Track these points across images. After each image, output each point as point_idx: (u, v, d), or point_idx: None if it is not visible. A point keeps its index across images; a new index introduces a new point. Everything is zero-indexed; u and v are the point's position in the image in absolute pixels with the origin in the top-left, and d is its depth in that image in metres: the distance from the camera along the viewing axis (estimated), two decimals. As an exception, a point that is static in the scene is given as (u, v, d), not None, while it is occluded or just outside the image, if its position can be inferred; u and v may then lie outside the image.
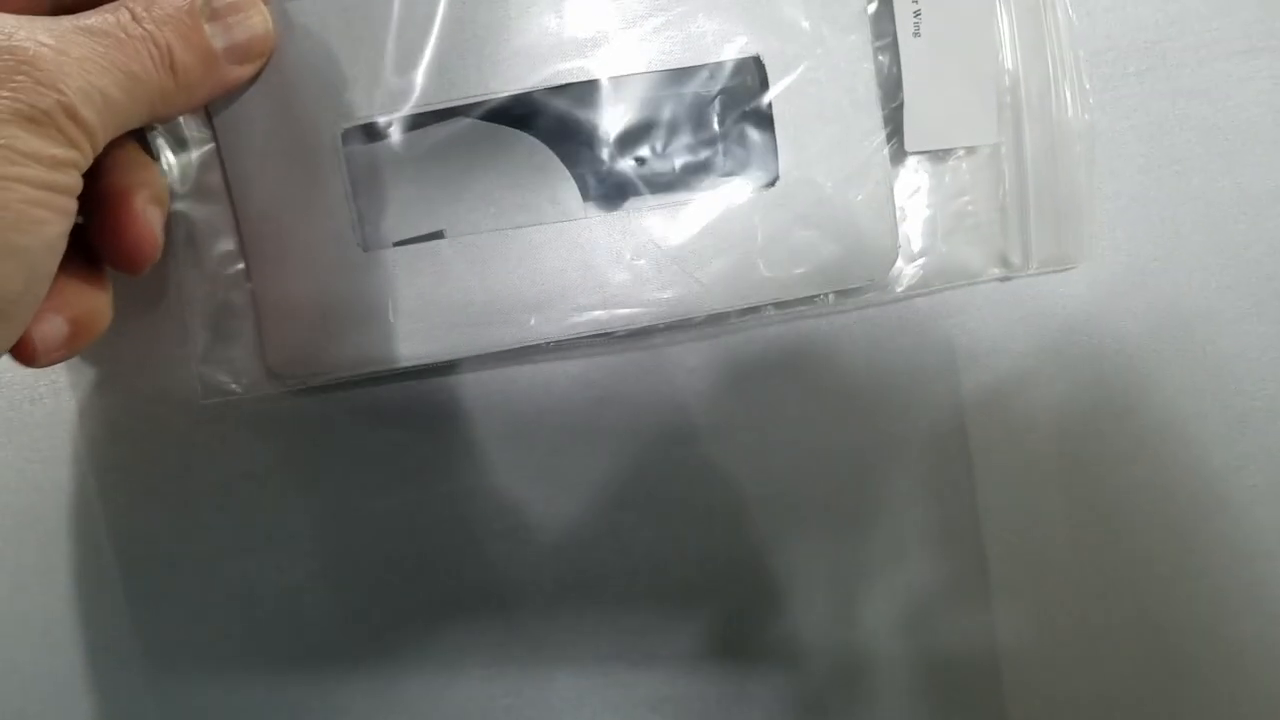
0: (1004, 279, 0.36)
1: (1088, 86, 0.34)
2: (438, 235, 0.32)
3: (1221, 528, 0.38)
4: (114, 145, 0.27)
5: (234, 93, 0.30)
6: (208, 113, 0.31)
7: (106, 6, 0.26)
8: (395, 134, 0.32)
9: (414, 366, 0.33)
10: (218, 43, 0.28)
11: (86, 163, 0.25)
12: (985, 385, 0.37)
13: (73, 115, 0.23)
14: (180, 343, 0.33)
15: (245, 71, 0.30)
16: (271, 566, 0.36)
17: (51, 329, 0.26)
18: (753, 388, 0.36)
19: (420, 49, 0.31)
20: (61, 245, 0.24)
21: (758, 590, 0.37)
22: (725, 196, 0.33)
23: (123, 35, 0.26)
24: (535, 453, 0.36)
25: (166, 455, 0.35)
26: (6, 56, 0.23)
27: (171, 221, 0.31)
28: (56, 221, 0.24)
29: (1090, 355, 0.37)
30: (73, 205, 0.24)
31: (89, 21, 0.25)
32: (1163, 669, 0.38)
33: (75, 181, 0.24)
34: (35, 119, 0.23)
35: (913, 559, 0.37)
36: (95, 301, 0.27)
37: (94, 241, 0.27)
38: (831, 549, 0.37)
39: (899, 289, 0.34)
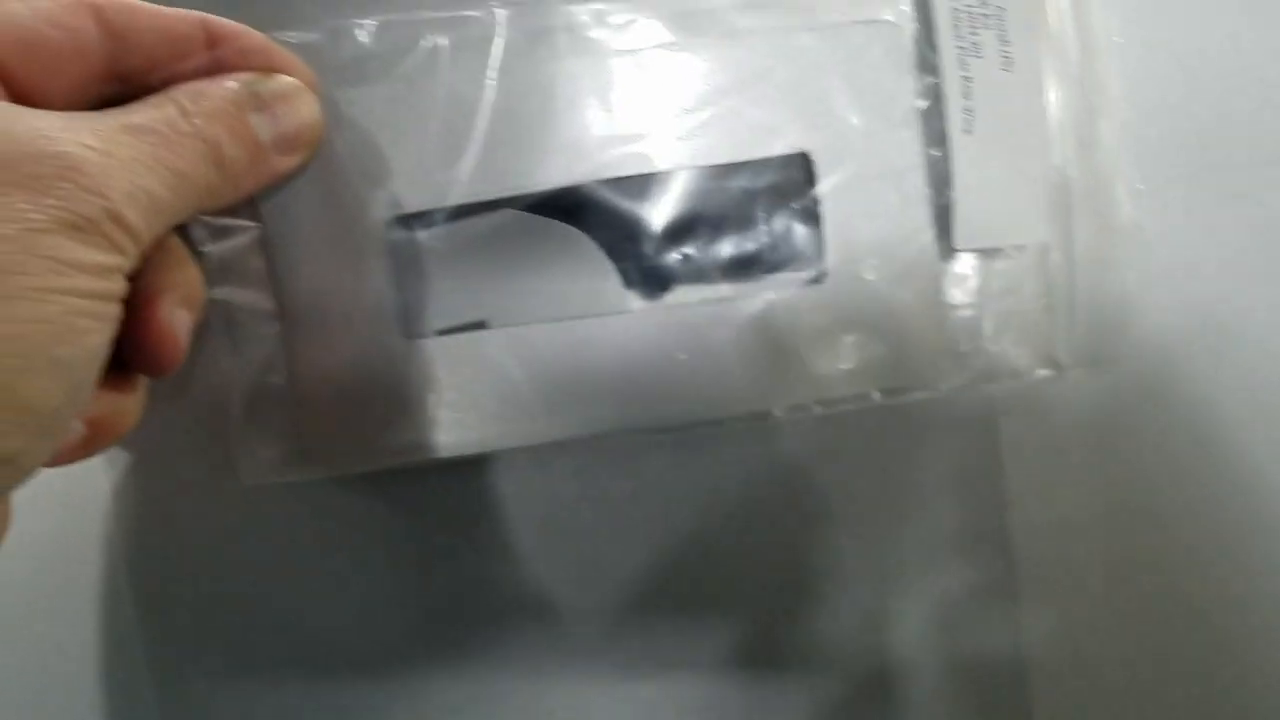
0: (1051, 377, 0.35)
1: (1140, 187, 0.34)
2: (481, 325, 0.32)
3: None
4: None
5: (281, 182, 0.30)
6: (253, 199, 0.30)
7: (153, 99, 0.26)
8: (440, 224, 0.31)
9: (454, 457, 0.32)
10: (264, 134, 0.28)
11: (132, 266, 0.24)
12: (1029, 480, 0.36)
13: (118, 220, 0.23)
14: (218, 425, 0.33)
15: (292, 162, 0.29)
16: (303, 652, 0.35)
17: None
18: (792, 479, 0.35)
19: (466, 140, 0.31)
20: (105, 353, 0.24)
21: (787, 597, 0.36)
22: (771, 292, 0.32)
23: (170, 133, 0.25)
24: (571, 540, 0.35)
25: (200, 537, 0.34)
26: (51, 162, 0.22)
27: (210, 309, 0.31)
28: (100, 330, 0.23)
29: (1132, 455, 0.36)
30: (117, 311, 0.24)
31: (136, 119, 0.25)
32: (1194, 676, 0.37)
33: (120, 287, 0.24)
34: (80, 226, 0.22)
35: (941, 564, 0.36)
36: (118, 403, 0.26)
37: (121, 342, 0.26)
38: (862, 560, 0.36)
39: (945, 386, 0.34)
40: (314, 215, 0.30)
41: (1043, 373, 0.35)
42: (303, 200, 0.30)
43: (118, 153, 0.23)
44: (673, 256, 0.32)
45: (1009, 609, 0.36)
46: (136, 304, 0.26)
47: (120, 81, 0.26)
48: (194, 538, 0.34)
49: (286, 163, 0.29)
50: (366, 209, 0.30)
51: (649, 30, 0.31)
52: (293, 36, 0.30)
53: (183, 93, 0.26)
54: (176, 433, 0.34)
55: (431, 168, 0.30)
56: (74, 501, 0.34)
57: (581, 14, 0.31)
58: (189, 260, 0.28)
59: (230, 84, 0.27)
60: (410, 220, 0.31)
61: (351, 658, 0.35)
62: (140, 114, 0.25)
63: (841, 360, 0.33)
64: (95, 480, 0.34)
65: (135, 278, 0.26)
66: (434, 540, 0.35)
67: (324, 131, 0.30)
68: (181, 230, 0.29)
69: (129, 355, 0.26)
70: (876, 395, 0.33)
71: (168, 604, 0.35)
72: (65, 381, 0.22)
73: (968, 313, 0.34)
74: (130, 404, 0.27)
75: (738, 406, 0.32)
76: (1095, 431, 0.36)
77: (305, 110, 0.29)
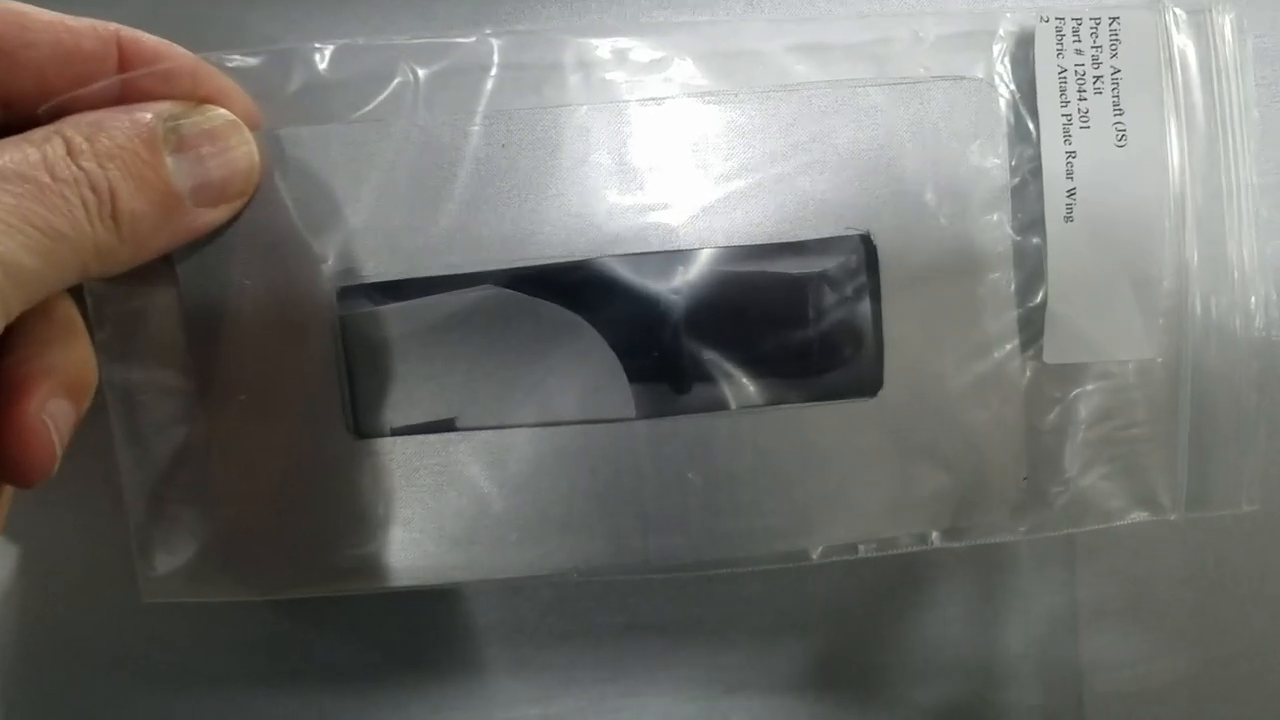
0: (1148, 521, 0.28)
1: (1275, 298, 0.27)
2: (447, 426, 0.26)
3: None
4: (25, 313, 0.20)
5: (204, 236, 0.23)
6: (168, 255, 0.24)
7: (35, 134, 0.20)
8: (404, 298, 0.25)
9: (406, 587, 0.26)
10: (183, 181, 0.22)
11: None
12: (1107, 641, 0.29)
13: None
14: (114, 530, 0.26)
15: (218, 215, 0.23)
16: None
17: None
18: (820, 627, 0.29)
19: (444, 198, 0.24)
20: None
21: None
22: (814, 406, 0.26)
23: (45, 178, 0.19)
24: (544, 687, 0.29)
25: (88, 659, 0.28)
26: None
27: (109, 390, 0.24)
28: None
29: (1234, 617, 0.29)
30: None
31: (1, 160, 0.19)
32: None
33: None
34: None
35: None
36: None
37: None
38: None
39: (1020, 529, 0.27)
40: (245, 279, 0.24)
41: (1139, 516, 0.28)
42: (231, 260, 0.24)
43: None
44: (693, 353, 0.26)
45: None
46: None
47: (3, 107, 0.21)
48: (80, 660, 0.28)
49: (211, 216, 0.23)
50: (312, 274, 0.24)
51: (680, 73, 0.25)
52: (233, 60, 0.24)
53: (75, 125, 0.20)
54: (61, 535, 0.27)
55: (397, 229, 0.24)
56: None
57: (598, 49, 0.25)
58: (79, 334, 0.22)
59: (143, 116, 0.22)
60: (367, 291, 0.25)
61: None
62: (9, 154, 0.19)
63: (896, 495, 0.26)
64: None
65: None
66: (376, 679, 0.28)
67: (262, 177, 0.24)
68: (75, 292, 0.23)
69: None
70: (936, 537, 0.27)
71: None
72: None
73: (1053, 440, 0.27)
74: None
75: (764, 545, 0.26)
76: (1192, 587, 0.30)
77: (240, 153, 0.23)
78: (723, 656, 0.30)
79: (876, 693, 0.30)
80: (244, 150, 0.23)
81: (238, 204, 0.24)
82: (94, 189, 0.20)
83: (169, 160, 0.21)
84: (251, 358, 0.25)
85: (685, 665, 0.29)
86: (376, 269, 0.25)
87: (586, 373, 0.26)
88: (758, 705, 0.30)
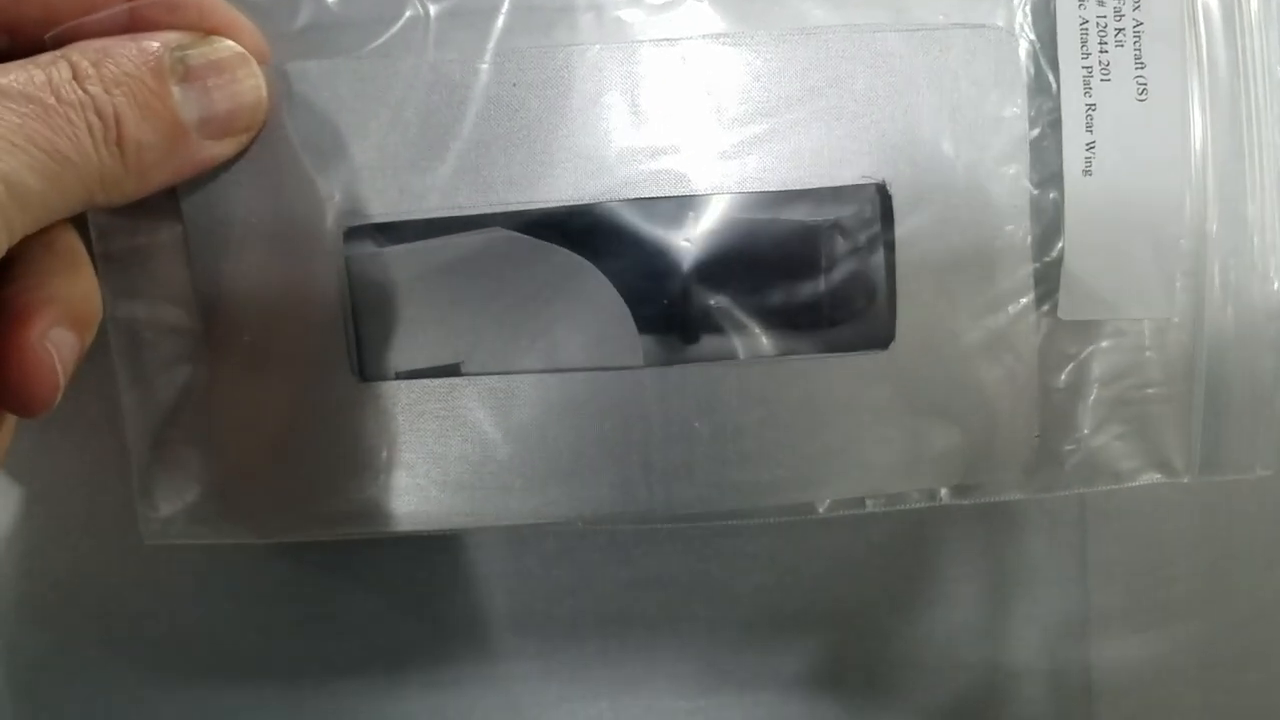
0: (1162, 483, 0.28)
1: (1293, 261, 0.27)
2: (453, 370, 0.25)
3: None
4: (28, 240, 0.20)
5: (209, 171, 0.23)
6: (174, 189, 0.24)
7: (40, 57, 0.20)
8: (410, 238, 0.25)
9: (408, 532, 0.25)
10: (189, 113, 0.21)
11: None
12: (1117, 612, 0.29)
13: None
14: (115, 470, 0.26)
15: (225, 149, 0.23)
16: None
17: None
18: (824, 584, 0.29)
19: (453, 137, 0.24)
20: None
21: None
22: (823, 357, 0.26)
23: (50, 100, 0.19)
24: (547, 639, 0.28)
25: (85, 602, 0.28)
26: None
27: (112, 327, 0.24)
28: None
29: (1251, 586, 0.29)
30: None
31: (5, 80, 0.19)
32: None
33: None
34: None
35: None
36: None
37: None
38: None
39: (1031, 487, 0.27)
40: (250, 216, 0.24)
41: (1152, 477, 0.27)
42: (237, 197, 0.24)
43: None
44: (702, 302, 0.26)
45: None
46: (0, 322, 0.20)
47: (7, 34, 0.21)
48: (78, 602, 0.28)
49: (217, 150, 0.23)
50: (319, 213, 0.24)
51: (696, 15, 0.25)
52: (241, -9, 0.23)
53: (82, 51, 0.20)
54: (61, 476, 0.27)
55: (404, 168, 0.24)
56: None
57: (611, -13, 0.24)
58: (82, 266, 0.22)
59: (150, 44, 0.21)
60: (374, 231, 0.25)
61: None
62: (14, 74, 0.19)
63: (906, 449, 0.26)
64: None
65: (0, 287, 0.20)
66: (377, 629, 0.28)
67: (269, 112, 0.23)
68: (80, 226, 0.23)
69: None
70: (945, 494, 0.26)
71: (41, 675, 0.28)
72: None
73: (1066, 398, 0.27)
74: None
75: (771, 497, 0.26)
76: (1207, 550, 0.29)
77: (247, 85, 0.23)
78: (727, 612, 0.29)
79: (882, 649, 0.30)
80: (251, 83, 0.23)
81: (244, 139, 0.23)
82: (99, 114, 0.20)
83: (175, 90, 0.21)
84: (256, 298, 0.25)
85: (688, 620, 0.29)
86: (383, 209, 0.24)
87: (594, 319, 0.25)
88: (758, 661, 0.30)
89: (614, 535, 0.28)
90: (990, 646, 0.30)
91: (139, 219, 0.24)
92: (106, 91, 0.20)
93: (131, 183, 0.21)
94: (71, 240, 0.22)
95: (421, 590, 0.28)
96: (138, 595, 0.28)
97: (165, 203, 0.24)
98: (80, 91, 0.19)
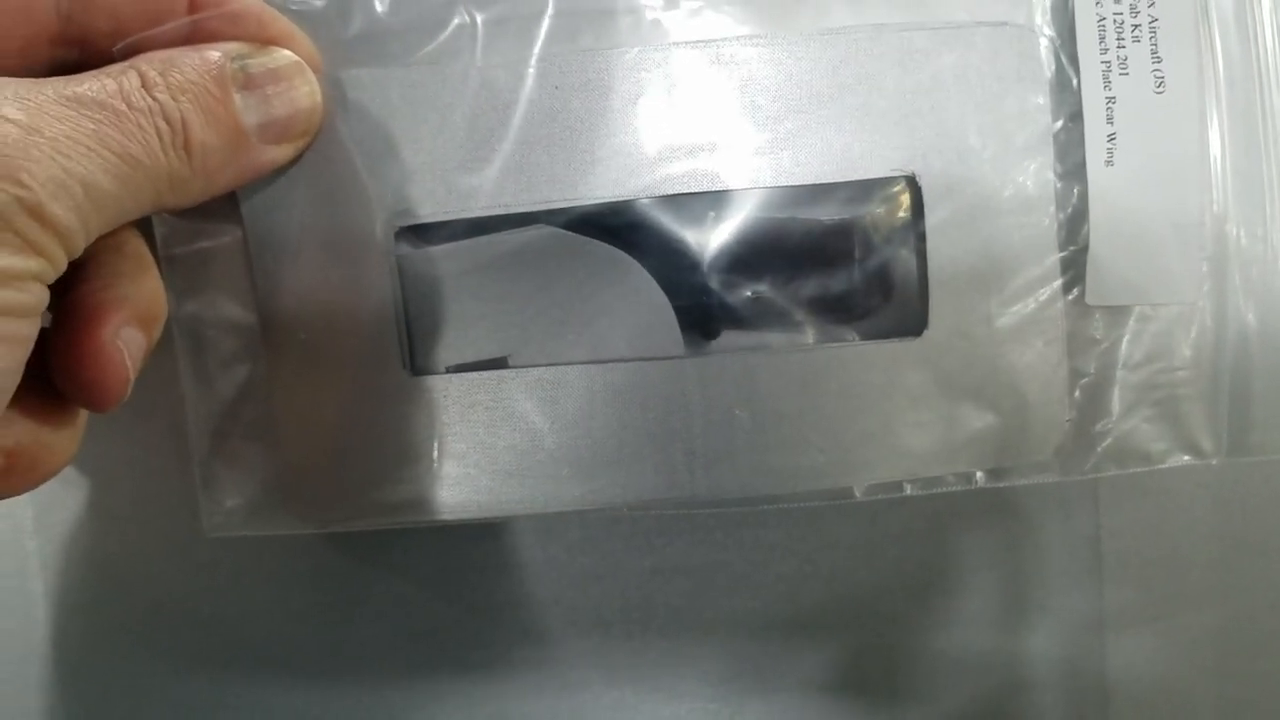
0: (1189, 465, 0.28)
1: (1317, 241, 0.28)
2: (500, 364, 0.26)
3: None
4: (100, 242, 0.21)
5: (268, 176, 0.24)
6: (234, 195, 0.25)
7: (110, 68, 0.21)
8: (459, 238, 0.26)
9: (459, 520, 0.26)
10: (250, 118, 0.22)
11: (56, 273, 0.19)
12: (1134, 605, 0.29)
13: (38, 214, 0.18)
14: (178, 464, 0.27)
15: (283, 153, 0.24)
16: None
17: None
18: (842, 573, 0.29)
19: (499, 139, 0.25)
20: (13, 381, 0.19)
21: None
22: (858, 345, 0.27)
23: (122, 106, 0.20)
24: (575, 624, 0.29)
25: (148, 592, 0.29)
26: None
27: (176, 325, 0.25)
28: (6, 354, 0.18)
29: (1266, 575, 0.29)
30: (32, 329, 0.19)
31: (80, 88, 0.20)
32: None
33: (37, 299, 0.19)
34: None
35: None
36: (45, 436, 0.21)
37: (51, 364, 0.21)
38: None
39: (1065, 471, 0.27)
40: (307, 219, 0.25)
41: (1181, 459, 0.28)
42: (294, 200, 0.25)
43: (46, 129, 0.19)
44: (740, 294, 0.27)
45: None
46: (74, 320, 0.21)
47: (78, 47, 0.22)
48: (140, 593, 0.29)
49: (275, 154, 0.24)
50: (371, 215, 0.25)
51: (728, 18, 0.26)
52: (296, 3, 0.25)
53: (149, 61, 0.21)
54: (125, 469, 0.28)
55: (453, 170, 0.25)
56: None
57: (648, -7, 0.26)
58: (149, 268, 0.23)
59: (212, 54, 0.22)
60: (423, 231, 0.26)
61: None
62: (88, 83, 0.20)
63: (939, 434, 0.26)
64: (18, 519, 0.29)
65: (73, 287, 0.21)
66: (418, 611, 0.29)
67: (324, 119, 0.25)
68: (146, 231, 0.24)
69: (62, 381, 0.21)
70: (980, 477, 0.27)
71: (99, 666, 0.29)
72: None
73: (1096, 383, 0.28)
74: (62, 438, 0.22)
75: (809, 482, 0.26)
76: (1220, 536, 0.30)
77: (303, 92, 0.24)
78: (747, 601, 0.30)
79: (898, 636, 0.30)
80: (307, 90, 0.24)
81: (301, 144, 0.24)
82: (167, 119, 0.21)
83: (237, 97, 0.22)
84: (312, 297, 0.26)
85: (710, 609, 0.30)
86: (432, 209, 0.25)
87: (636, 311, 0.26)
88: (780, 648, 0.30)
89: (636, 526, 0.29)
90: (1006, 638, 0.31)
91: (202, 223, 0.25)
92: (173, 98, 0.21)
93: (198, 185, 0.22)
94: (139, 243, 0.23)
95: (457, 578, 0.29)
96: (185, 583, 0.29)
97: (226, 207, 0.25)
98: (149, 99, 0.21)
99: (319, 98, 0.24)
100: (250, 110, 0.23)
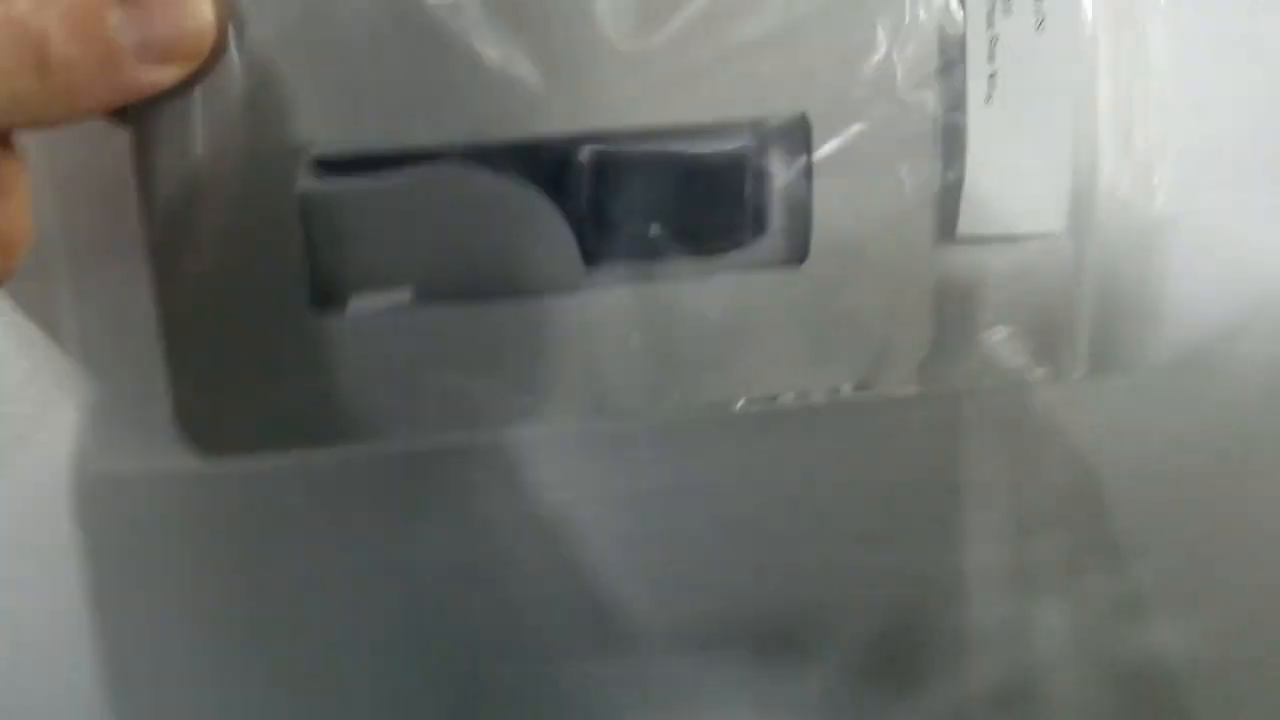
0: (1050, 382, 0.31)
1: (1179, 177, 0.30)
2: (405, 296, 0.27)
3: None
4: None
5: (157, 98, 0.23)
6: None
7: None
8: (364, 170, 0.26)
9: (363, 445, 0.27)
10: (128, 36, 0.21)
11: None
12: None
13: None
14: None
15: (166, 75, 0.22)
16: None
17: None
18: (741, 482, 0.32)
19: (407, 71, 0.25)
20: None
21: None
22: (747, 273, 0.28)
23: None
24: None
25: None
26: None
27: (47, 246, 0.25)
28: None
29: (1144, 469, 0.33)
30: None
31: None
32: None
33: None
34: None
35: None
36: None
37: None
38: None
39: (923, 384, 0.30)
40: (204, 142, 0.24)
41: (1040, 374, 0.31)
42: (189, 121, 0.24)
43: None
44: (636, 229, 0.28)
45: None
46: None
47: None
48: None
49: (157, 75, 0.22)
50: (274, 144, 0.25)
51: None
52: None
53: None
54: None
55: (359, 100, 0.25)
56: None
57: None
58: (11, 193, 0.22)
59: None
60: (328, 164, 0.26)
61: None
62: None
63: (815, 351, 0.29)
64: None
65: None
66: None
67: (219, 40, 0.23)
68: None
69: None
70: (847, 388, 0.29)
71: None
72: None
73: (961, 305, 0.30)
74: None
75: (696, 398, 0.28)
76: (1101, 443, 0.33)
77: (193, 10, 0.22)
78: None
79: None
80: (199, 10, 0.22)
81: (191, 65, 0.23)
82: (24, 28, 0.19)
83: (114, 13, 0.21)
84: (209, 223, 0.25)
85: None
86: (339, 142, 0.25)
87: (541, 245, 0.27)
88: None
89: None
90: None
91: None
92: (33, 9, 0.19)
93: (59, 106, 0.20)
94: (6, 165, 0.21)
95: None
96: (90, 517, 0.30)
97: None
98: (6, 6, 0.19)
99: (211, 17, 0.22)
100: (128, 28, 0.21)
